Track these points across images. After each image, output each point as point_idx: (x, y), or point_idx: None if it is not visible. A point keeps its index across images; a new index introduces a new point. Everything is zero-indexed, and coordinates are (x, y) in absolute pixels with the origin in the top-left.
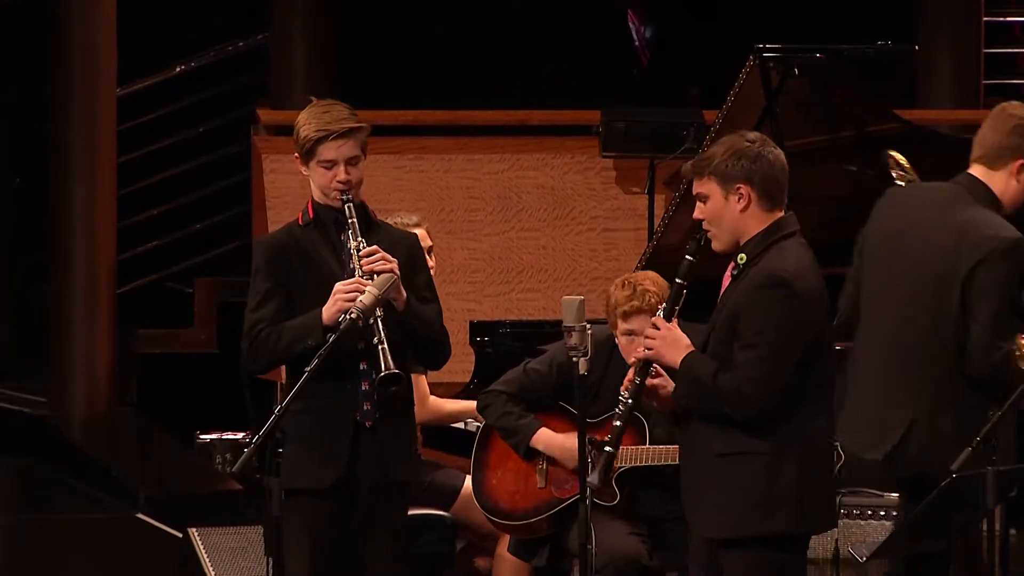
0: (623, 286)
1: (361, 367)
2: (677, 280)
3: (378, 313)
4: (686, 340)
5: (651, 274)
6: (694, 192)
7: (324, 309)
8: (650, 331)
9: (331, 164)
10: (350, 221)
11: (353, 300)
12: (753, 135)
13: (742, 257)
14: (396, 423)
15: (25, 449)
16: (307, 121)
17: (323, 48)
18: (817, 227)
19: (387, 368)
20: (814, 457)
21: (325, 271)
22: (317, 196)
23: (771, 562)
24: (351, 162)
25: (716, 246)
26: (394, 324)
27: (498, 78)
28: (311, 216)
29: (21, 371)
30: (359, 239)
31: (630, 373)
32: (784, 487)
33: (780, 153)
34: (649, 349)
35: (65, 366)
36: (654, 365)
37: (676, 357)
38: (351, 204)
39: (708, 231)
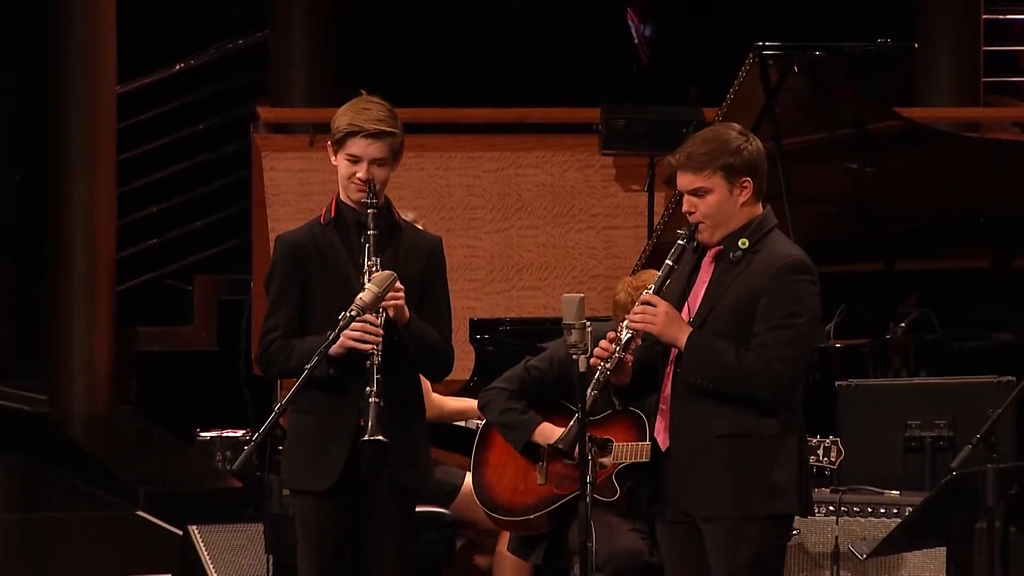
0: (630, 286)
1: (366, 389)
2: (668, 262)
3: (375, 360)
4: (682, 318)
5: (653, 272)
6: (688, 187)
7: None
8: (646, 308)
9: (356, 159)
10: (368, 233)
11: (359, 340)
12: (736, 126)
13: (744, 242)
14: (404, 428)
15: (25, 447)
16: (344, 113)
17: (323, 46)
18: (817, 226)
19: (371, 434)
20: (805, 442)
21: (340, 273)
22: (342, 194)
23: (775, 544)
24: (377, 163)
25: (707, 238)
26: (397, 334)
27: (498, 76)
28: (332, 216)
29: (21, 369)
30: (373, 259)
31: (607, 344)
32: (788, 470)
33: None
34: (651, 324)
35: (65, 364)
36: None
37: (678, 334)
38: (373, 212)
39: (701, 223)
